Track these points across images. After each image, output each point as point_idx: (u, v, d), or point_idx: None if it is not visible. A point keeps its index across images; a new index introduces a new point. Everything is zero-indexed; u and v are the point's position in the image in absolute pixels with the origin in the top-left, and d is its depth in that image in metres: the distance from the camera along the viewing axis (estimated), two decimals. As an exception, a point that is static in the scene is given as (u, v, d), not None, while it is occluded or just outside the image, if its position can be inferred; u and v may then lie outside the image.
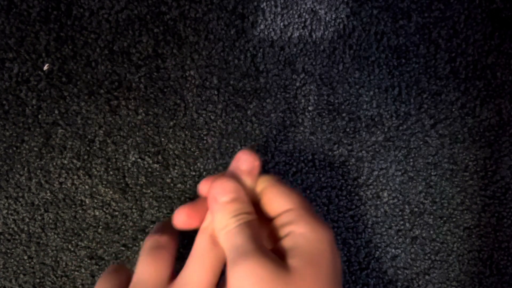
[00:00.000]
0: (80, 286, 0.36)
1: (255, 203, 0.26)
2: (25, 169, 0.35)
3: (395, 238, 0.37)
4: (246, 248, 0.22)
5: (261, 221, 0.25)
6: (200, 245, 0.25)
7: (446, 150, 0.36)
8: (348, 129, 0.35)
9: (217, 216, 0.24)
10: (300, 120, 0.35)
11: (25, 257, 0.36)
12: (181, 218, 0.25)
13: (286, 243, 0.23)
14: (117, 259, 0.36)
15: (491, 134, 0.35)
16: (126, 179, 0.35)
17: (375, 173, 0.36)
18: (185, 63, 0.34)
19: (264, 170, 0.36)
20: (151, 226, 0.36)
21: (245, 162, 0.26)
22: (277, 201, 0.25)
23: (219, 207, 0.24)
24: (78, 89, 0.34)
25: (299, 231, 0.23)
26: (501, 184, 0.36)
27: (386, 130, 0.35)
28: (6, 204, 0.35)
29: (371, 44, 0.34)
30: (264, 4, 0.34)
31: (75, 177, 0.35)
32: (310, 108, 0.35)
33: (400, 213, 0.36)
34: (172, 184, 0.35)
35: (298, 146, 0.35)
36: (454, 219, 0.36)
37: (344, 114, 0.35)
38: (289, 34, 0.34)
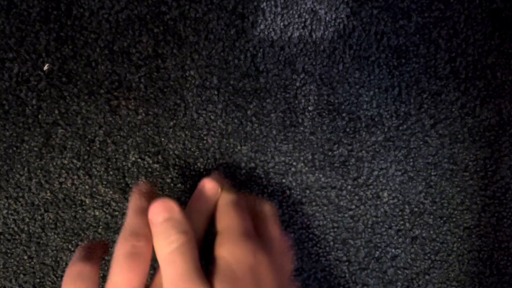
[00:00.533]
0: (80, 286, 0.36)
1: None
2: (25, 169, 0.35)
3: (395, 238, 0.37)
4: (178, 281, 0.23)
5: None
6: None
7: (446, 150, 0.36)
8: (348, 129, 0.35)
9: (155, 240, 0.25)
10: (300, 120, 0.35)
11: (25, 257, 0.36)
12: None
13: (215, 265, 0.25)
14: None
15: (491, 134, 0.35)
16: (126, 179, 0.35)
17: (375, 173, 0.36)
18: (185, 63, 0.34)
19: (264, 170, 0.36)
20: (151, 226, 0.36)
21: (209, 190, 0.29)
22: (217, 221, 0.27)
23: (155, 230, 0.25)
24: (78, 89, 0.34)
25: (221, 254, 0.25)
26: (501, 184, 0.36)
27: (386, 130, 0.35)
28: (6, 204, 0.35)
29: (371, 44, 0.34)
30: (264, 4, 0.34)
31: (75, 177, 0.35)
32: (310, 108, 0.35)
33: (400, 213, 0.36)
34: (172, 184, 0.35)
35: (298, 146, 0.35)
36: (454, 219, 0.36)
37: (344, 114, 0.35)
38: (289, 34, 0.34)
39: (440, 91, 0.35)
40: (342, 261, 0.37)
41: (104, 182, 0.35)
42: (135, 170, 0.35)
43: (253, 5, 0.34)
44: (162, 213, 0.25)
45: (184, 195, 0.36)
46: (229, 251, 0.25)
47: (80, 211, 0.36)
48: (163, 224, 0.25)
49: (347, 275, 0.37)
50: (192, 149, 0.35)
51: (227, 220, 0.27)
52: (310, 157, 0.36)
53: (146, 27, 0.34)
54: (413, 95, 0.35)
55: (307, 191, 0.36)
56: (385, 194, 0.36)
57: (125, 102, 0.35)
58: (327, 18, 0.34)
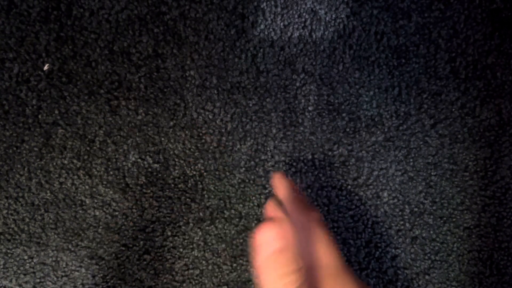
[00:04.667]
0: (81, 286, 0.36)
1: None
2: (25, 169, 0.35)
3: (395, 238, 0.37)
4: None
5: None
6: None
7: (446, 150, 0.36)
8: (348, 129, 0.35)
9: (265, 276, 0.20)
10: (300, 120, 0.35)
11: (26, 257, 0.36)
12: None
13: None
14: (118, 259, 0.36)
15: (491, 134, 0.35)
16: (126, 179, 0.35)
17: (375, 173, 0.36)
18: (185, 63, 0.34)
19: (264, 169, 0.36)
20: (151, 226, 0.36)
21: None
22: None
23: (267, 265, 0.20)
24: (78, 89, 0.34)
25: None
26: (501, 184, 0.36)
27: (386, 130, 0.35)
28: (6, 204, 0.35)
29: (371, 44, 0.34)
30: (264, 4, 0.34)
31: (75, 177, 0.35)
32: (310, 108, 0.35)
33: (400, 213, 0.36)
34: (173, 184, 0.35)
35: (298, 146, 0.35)
36: (454, 219, 0.36)
37: (344, 114, 0.35)
38: (289, 34, 0.34)
39: (440, 91, 0.35)
40: (342, 261, 0.37)
41: (104, 182, 0.35)
42: (135, 170, 0.35)
43: (253, 5, 0.34)
44: (277, 241, 0.20)
45: (185, 194, 0.36)
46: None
47: (80, 211, 0.36)
48: (277, 257, 0.20)
49: (347, 275, 0.37)
50: (192, 149, 0.35)
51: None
52: (310, 156, 0.36)
53: (146, 27, 0.34)
54: (413, 95, 0.35)
55: (308, 190, 0.36)
56: (385, 194, 0.36)
57: (125, 102, 0.35)
58: (327, 18, 0.34)
